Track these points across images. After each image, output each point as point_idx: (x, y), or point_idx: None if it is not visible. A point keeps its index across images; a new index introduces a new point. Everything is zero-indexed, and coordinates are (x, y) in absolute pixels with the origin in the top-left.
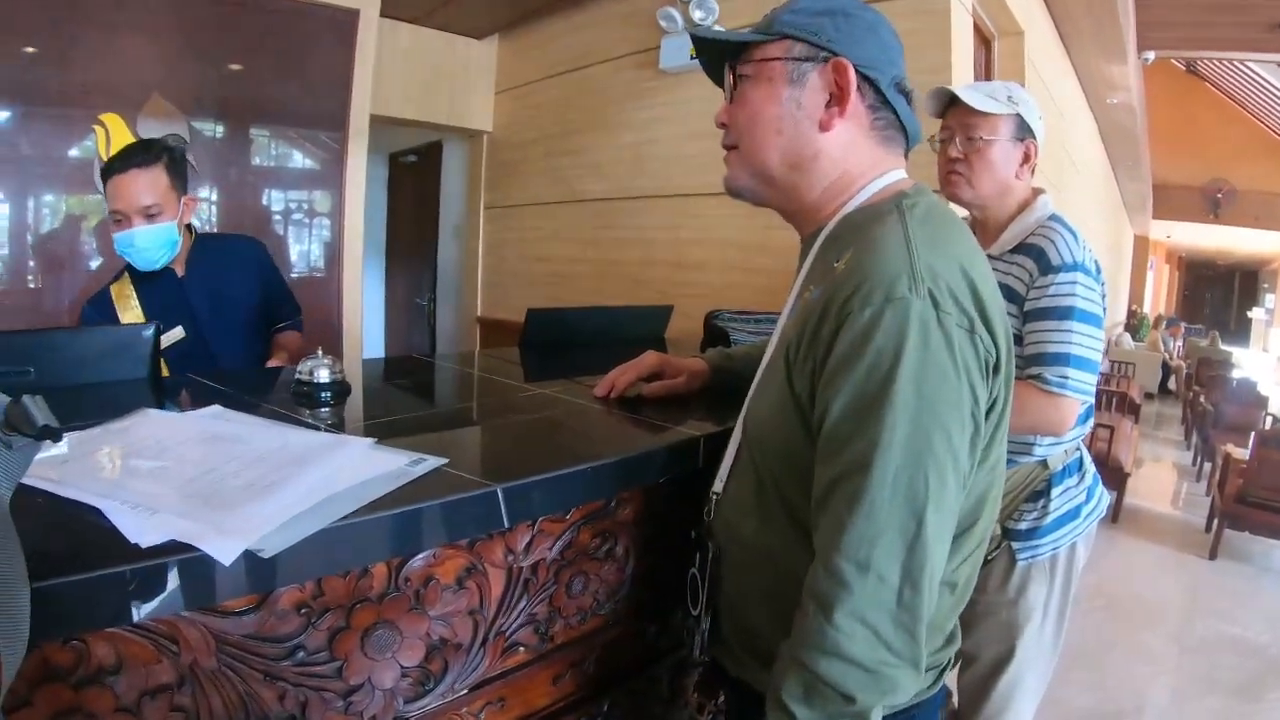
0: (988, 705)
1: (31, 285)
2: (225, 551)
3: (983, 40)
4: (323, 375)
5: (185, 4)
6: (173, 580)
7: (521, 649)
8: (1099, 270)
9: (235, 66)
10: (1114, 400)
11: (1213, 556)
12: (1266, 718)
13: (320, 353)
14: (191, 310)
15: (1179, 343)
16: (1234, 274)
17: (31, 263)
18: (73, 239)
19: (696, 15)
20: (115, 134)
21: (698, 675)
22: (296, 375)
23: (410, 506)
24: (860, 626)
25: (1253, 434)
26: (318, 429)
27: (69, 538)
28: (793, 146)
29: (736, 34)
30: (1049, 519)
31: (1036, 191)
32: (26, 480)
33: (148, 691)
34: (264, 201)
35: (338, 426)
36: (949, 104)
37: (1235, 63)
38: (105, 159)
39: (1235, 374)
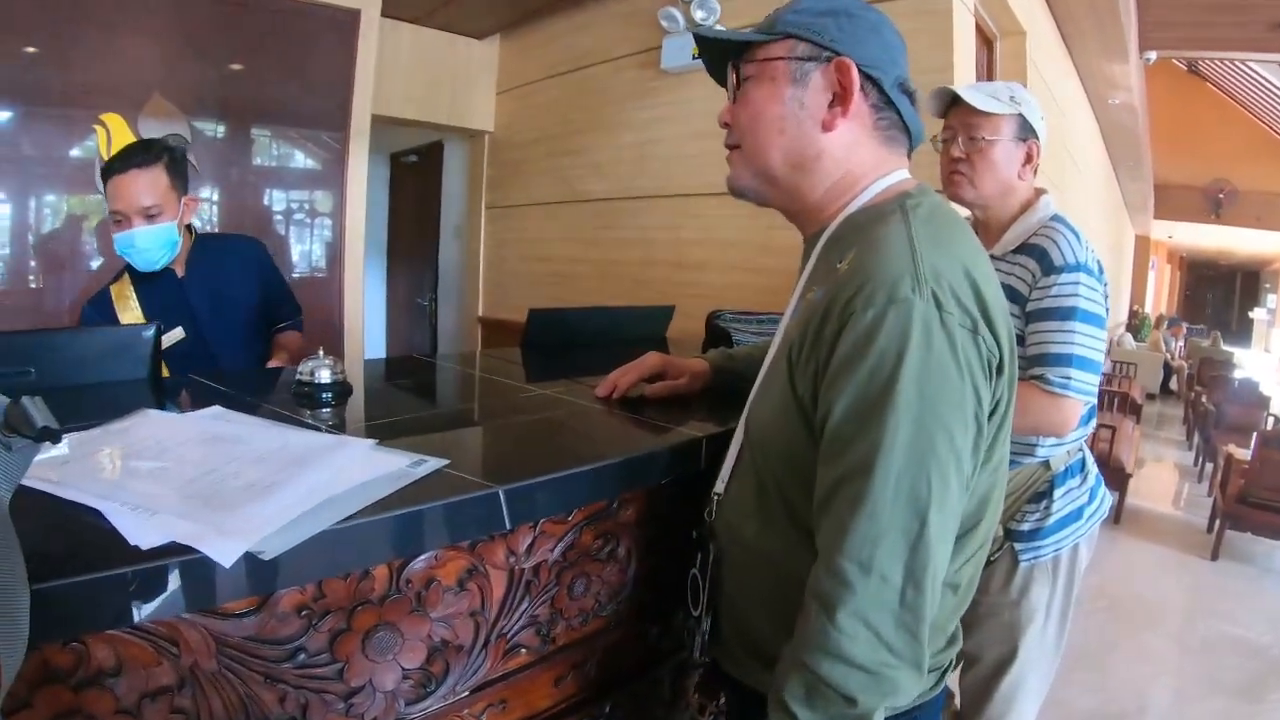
0: (990, 707)
1: (33, 285)
2: (225, 553)
3: (984, 40)
4: (324, 376)
5: (186, 4)
6: (173, 582)
7: (523, 651)
8: (1101, 270)
9: (236, 66)
10: (1116, 400)
11: (1214, 557)
12: (1268, 719)
13: (321, 353)
14: (191, 311)
15: (1180, 343)
16: (1235, 274)
17: (33, 263)
18: (74, 239)
19: (698, 15)
20: (116, 134)
21: (698, 677)
22: (297, 376)
23: (412, 508)
24: (862, 628)
25: (1254, 434)
26: (319, 430)
27: (69, 539)
28: (795, 146)
29: (740, 33)
30: (1051, 520)
31: (1039, 192)
32: (26, 481)
33: (148, 694)
34: (265, 201)
35: (339, 427)
36: (951, 104)
37: (1237, 63)
38: (106, 159)
39: (1237, 374)
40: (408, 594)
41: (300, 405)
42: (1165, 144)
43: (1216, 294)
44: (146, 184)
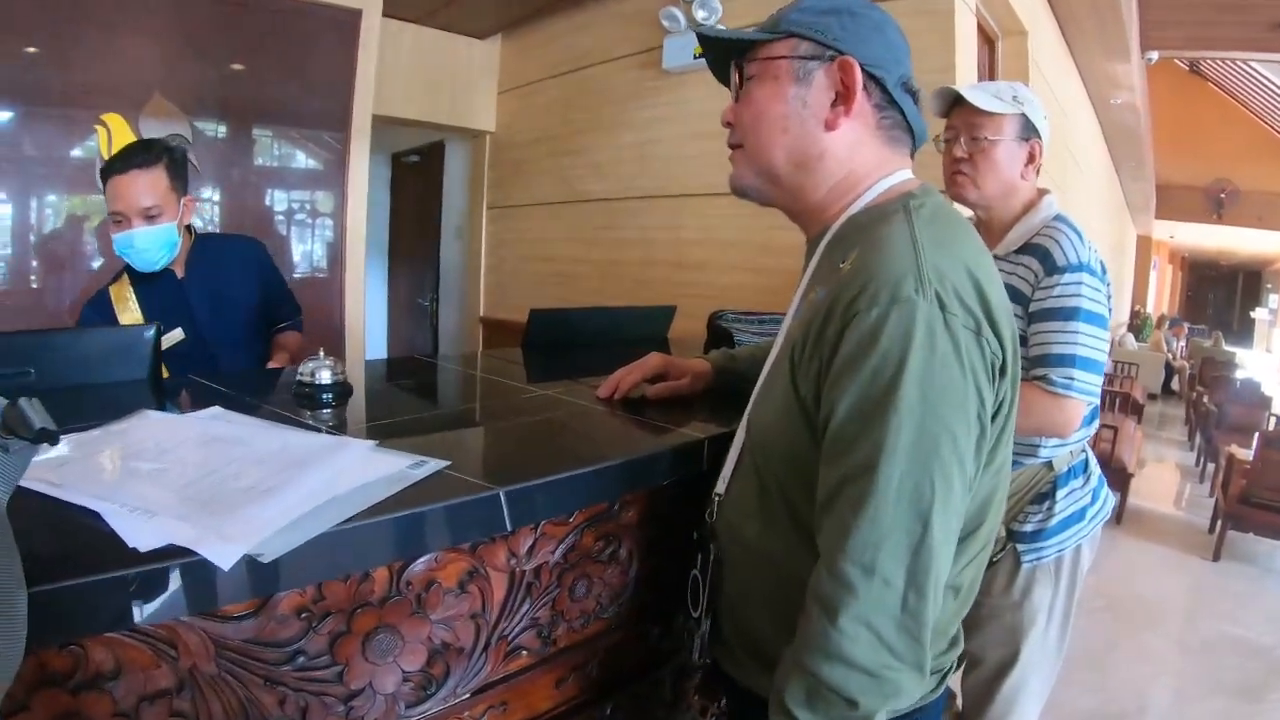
0: (992, 708)
1: (34, 285)
2: (224, 556)
3: (986, 40)
4: (324, 376)
5: (187, 4)
6: (172, 585)
7: (524, 653)
8: (1104, 271)
9: (237, 66)
10: (1117, 401)
11: (1216, 558)
12: (1269, 719)
13: (322, 354)
14: (191, 311)
15: (1182, 343)
16: (1237, 274)
17: (34, 263)
18: (75, 239)
19: (699, 15)
20: (117, 134)
21: (699, 678)
22: (298, 376)
23: (412, 510)
24: (864, 630)
25: (1256, 435)
26: (319, 431)
27: (67, 541)
28: (798, 145)
29: (743, 32)
30: (1054, 521)
31: (1041, 192)
32: (25, 483)
33: (146, 697)
34: (266, 202)
35: (339, 428)
36: (954, 104)
37: (1239, 62)
38: (106, 159)
39: (1239, 374)
40: (408, 596)
41: (300, 406)
42: (1167, 144)
43: (1218, 294)
44: (146, 184)
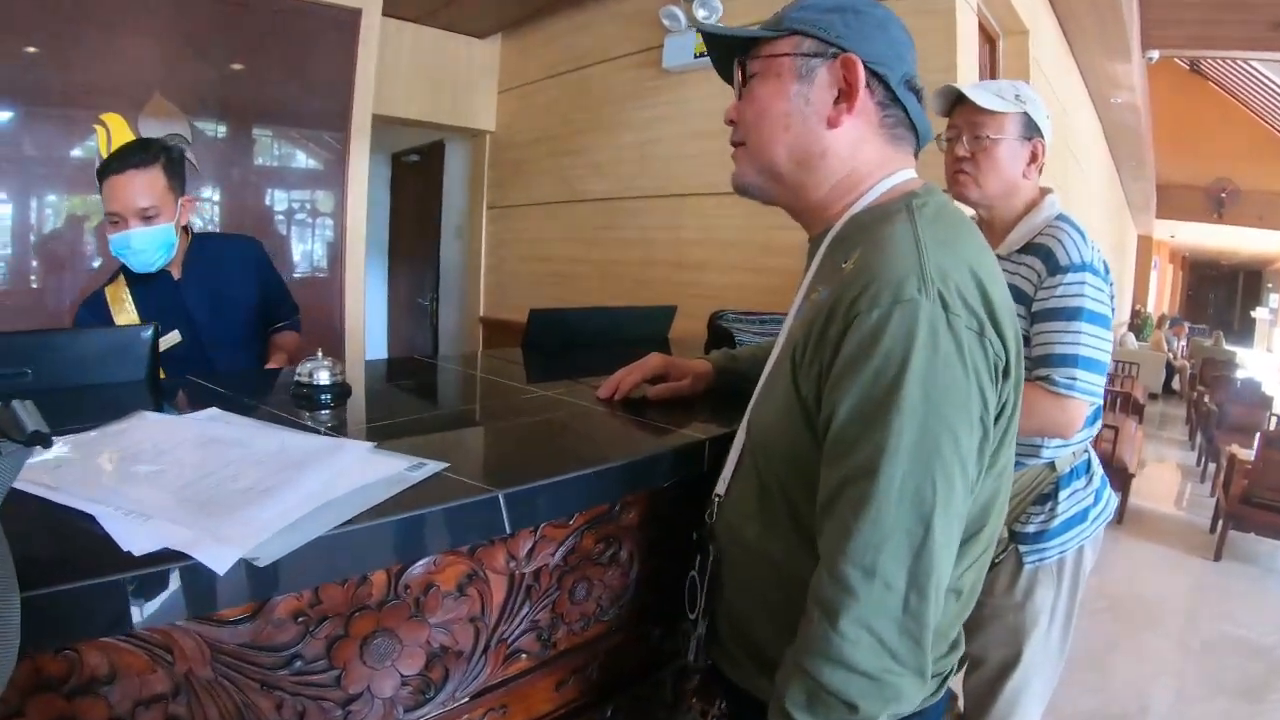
0: (994, 709)
1: (34, 285)
2: (219, 560)
3: (987, 39)
4: (322, 377)
5: (186, 4)
6: (167, 589)
7: (524, 656)
8: (1107, 270)
9: (237, 66)
10: (1118, 400)
11: (1217, 558)
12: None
13: (320, 354)
14: (188, 313)
15: (1183, 343)
16: (1238, 274)
17: (34, 263)
18: (75, 239)
19: (700, 14)
20: (116, 134)
21: (697, 681)
22: (296, 377)
23: (410, 513)
24: (865, 634)
25: (1258, 434)
26: (317, 432)
27: (61, 545)
28: (800, 143)
29: (746, 30)
30: (1056, 522)
31: (1044, 191)
32: (20, 485)
33: (142, 701)
34: (266, 201)
35: (337, 429)
36: (956, 102)
37: (1239, 62)
38: (103, 159)
39: (1239, 374)
40: (406, 599)
41: (299, 407)
42: (1167, 143)
43: (1219, 293)
44: (143, 184)
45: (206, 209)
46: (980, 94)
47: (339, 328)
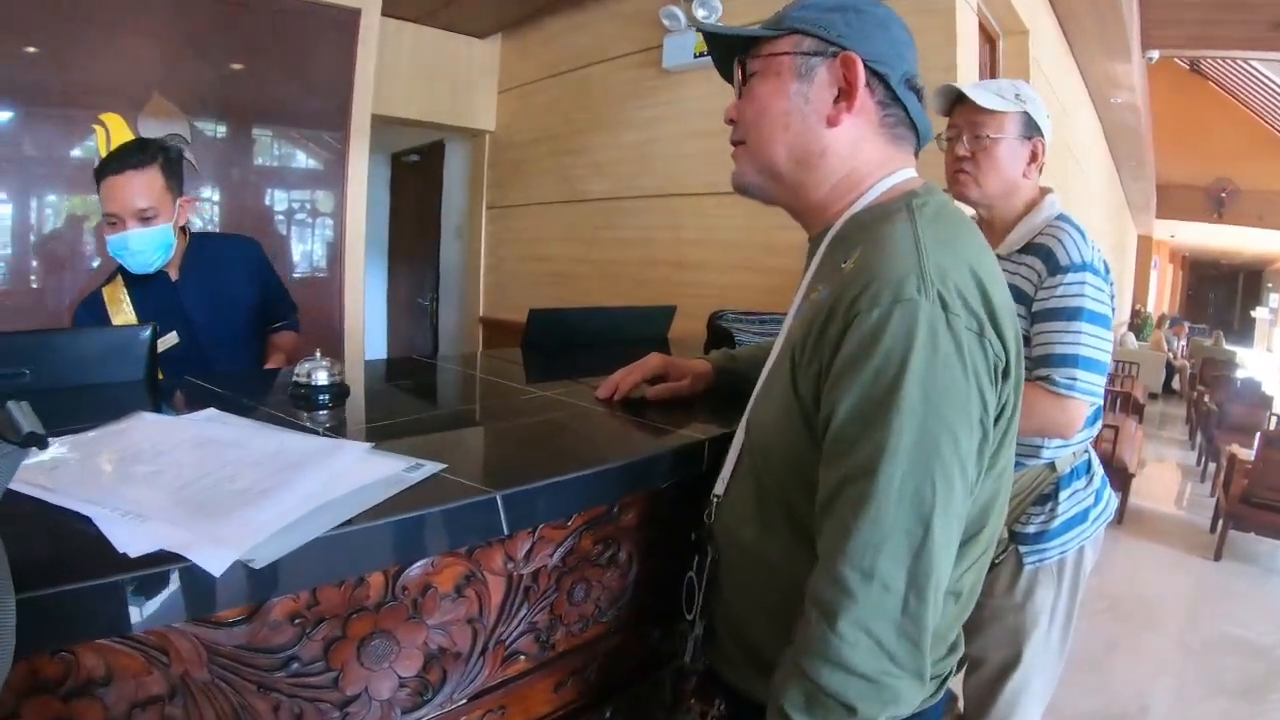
0: (994, 710)
1: (34, 285)
2: (215, 562)
3: (987, 39)
4: (320, 377)
5: (186, 4)
6: (163, 590)
7: (522, 657)
8: (1108, 270)
9: (237, 66)
10: (1118, 400)
11: (1217, 557)
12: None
13: (318, 354)
14: (186, 314)
15: (1183, 342)
16: (1238, 274)
17: (34, 263)
18: (75, 239)
19: (700, 13)
20: (116, 134)
21: (695, 682)
22: (294, 377)
23: (407, 514)
24: (864, 636)
25: (1258, 434)
26: (315, 432)
27: (58, 546)
28: (800, 142)
29: (747, 29)
30: (1057, 522)
31: (1044, 191)
32: (17, 487)
33: (138, 703)
34: (266, 201)
35: (336, 430)
36: (956, 102)
37: (1239, 61)
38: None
39: (1239, 374)
40: (404, 601)
41: (297, 407)
42: (1167, 143)
43: (1219, 293)
44: (141, 185)
45: (206, 209)
46: (980, 93)
47: (338, 328)
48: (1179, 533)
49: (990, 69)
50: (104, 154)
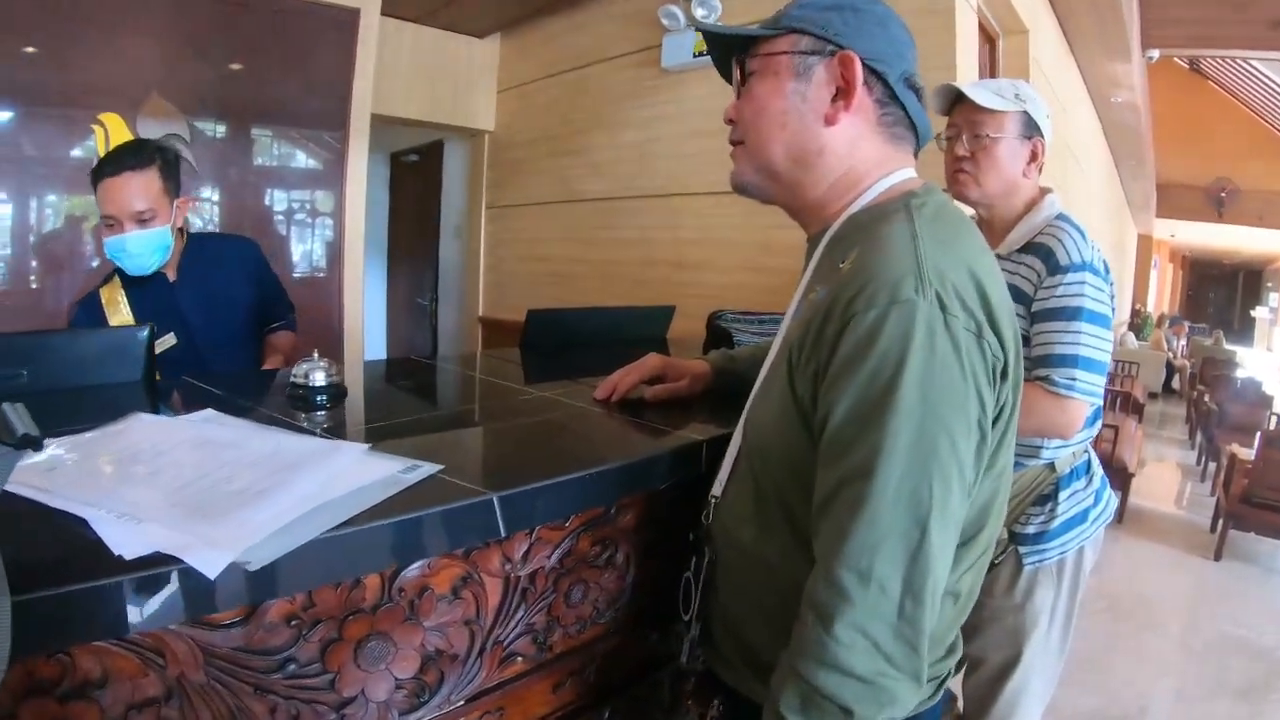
0: (994, 710)
1: (33, 286)
2: (210, 564)
3: (987, 38)
4: (318, 378)
5: (186, 4)
6: (159, 593)
7: (519, 659)
8: (1107, 270)
9: (236, 66)
10: (1118, 400)
11: (1217, 557)
12: None
13: (316, 355)
14: (183, 315)
15: (1183, 342)
16: (1238, 273)
17: (33, 263)
18: (74, 239)
19: (699, 13)
20: (115, 134)
21: (693, 683)
22: (291, 378)
23: (403, 516)
24: (860, 638)
25: (1258, 434)
26: (313, 434)
27: (54, 548)
28: (797, 141)
29: (745, 29)
30: (1056, 523)
31: (1044, 190)
32: (14, 489)
33: (134, 705)
34: (265, 201)
35: (333, 431)
36: (955, 101)
37: (1239, 61)
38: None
39: (1240, 373)
40: (400, 603)
41: (295, 408)
42: (1167, 142)
43: (1219, 293)
44: (139, 187)
45: (206, 209)
46: (980, 93)
47: (337, 328)
48: (1179, 532)
49: (990, 68)
50: (103, 154)
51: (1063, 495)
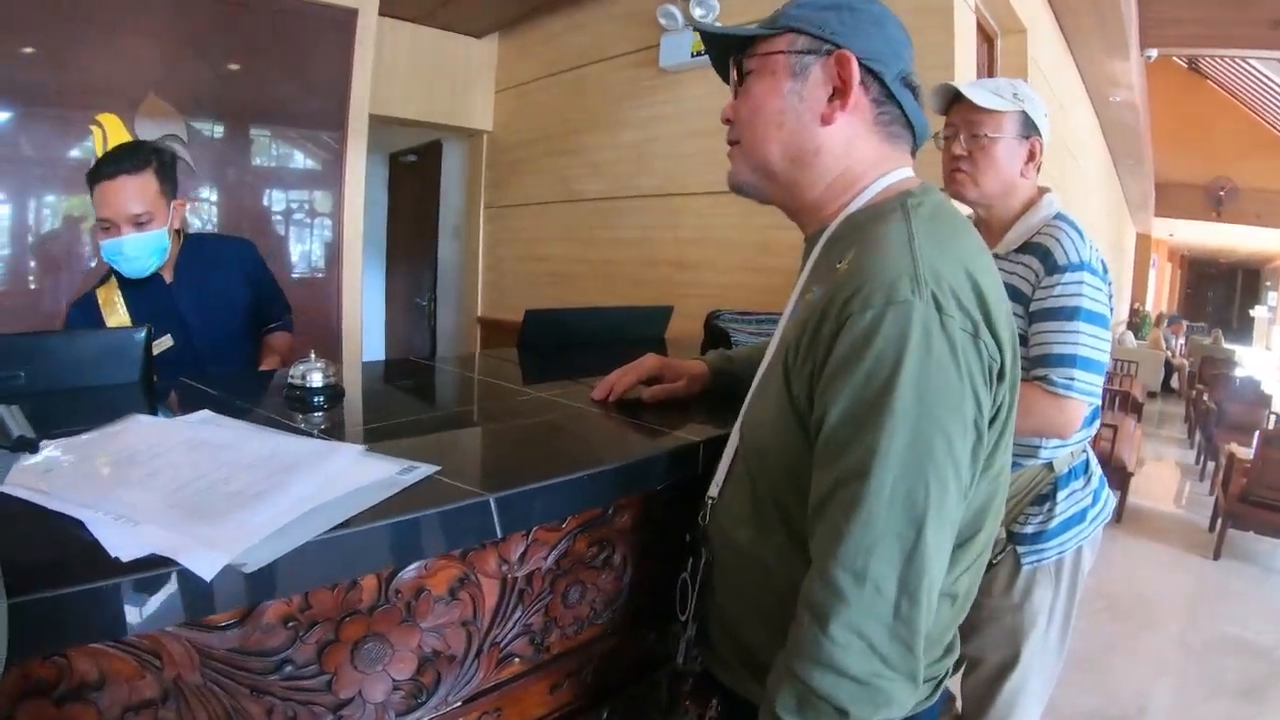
0: (992, 710)
1: (32, 286)
2: (206, 566)
3: (985, 38)
4: (315, 379)
5: (184, 4)
6: (156, 595)
7: (517, 660)
8: (1105, 270)
9: (234, 66)
10: (1117, 399)
11: (1216, 556)
12: None
13: (313, 356)
14: (180, 317)
15: (1182, 341)
16: (1236, 272)
17: (31, 263)
18: (72, 240)
19: (697, 13)
20: (112, 134)
21: (690, 684)
22: (289, 379)
23: (400, 517)
24: (856, 639)
25: (1257, 433)
26: (310, 435)
27: (52, 550)
28: (794, 140)
29: (742, 29)
30: (1054, 523)
31: (1042, 190)
32: (11, 490)
33: (131, 707)
34: (264, 202)
35: (330, 432)
36: (953, 101)
37: (1238, 60)
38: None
39: (1238, 372)
40: (397, 604)
41: (292, 409)
42: (1166, 142)
43: (1217, 292)
44: (135, 190)
45: (204, 209)
46: (978, 92)
47: (336, 328)
48: (1178, 531)
49: (988, 68)
50: (100, 155)
51: (1061, 495)
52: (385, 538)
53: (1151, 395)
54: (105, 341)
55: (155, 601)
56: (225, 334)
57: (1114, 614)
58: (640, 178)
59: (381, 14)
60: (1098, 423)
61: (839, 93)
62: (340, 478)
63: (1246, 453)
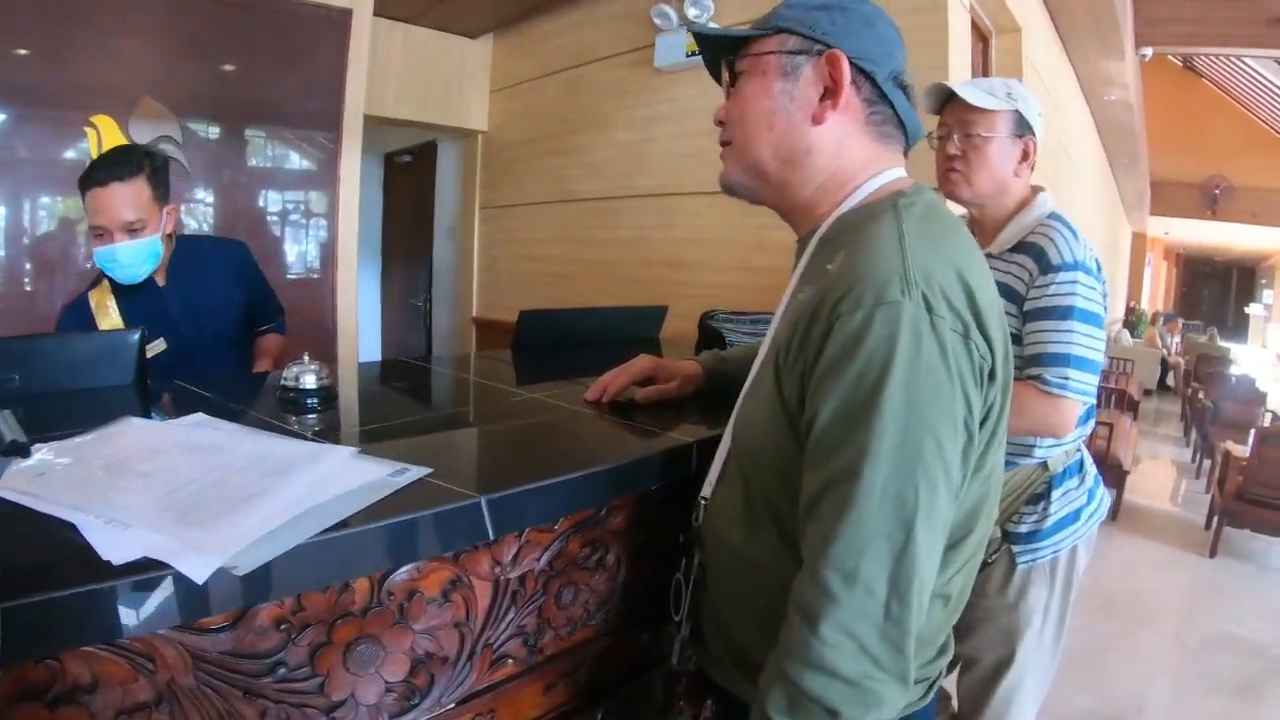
0: (988, 709)
1: (27, 289)
2: (198, 569)
3: (980, 37)
4: (308, 381)
5: (179, 4)
6: (149, 598)
7: (510, 661)
8: (1100, 269)
9: (229, 67)
10: (1113, 397)
11: (1213, 554)
12: (1267, 718)
13: (306, 358)
14: (172, 320)
15: (1177, 339)
16: (1231, 270)
17: (26, 265)
18: (67, 242)
19: (691, 13)
20: (107, 136)
21: (685, 684)
22: (282, 381)
23: (392, 519)
24: (846, 639)
25: (1252, 431)
26: (303, 437)
27: (44, 554)
28: (785, 140)
29: (734, 30)
30: (1049, 522)
31: (1036, 189)
32: (2, 493)
33: (124, 710)
34: (259, 203)
35: (324, 434)
36: (946, 100)
37: (1233, 59)
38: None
39: (1234, 370)
40: (389, 606)
41: (285, 411)
42: (1161, 140)
43: (1213, 290)
44: (128, 197)
45: (199, 210)
46: (971, 91)
47: (331, 329)
48: (1174, 530)
49: (983, 67)
50: (95, 157)
51: (1055, 494)
52: (377, 540)
53: (1147, 393)
54: (99, 344)
55: (148, 605)
56: (218, 336)
57: (1110, 612)
58: (635, 178)
59: (376, 14)
60: (1092, 422)
61: (830, 92)
62: (332, 480)
63: (1242, 450)
